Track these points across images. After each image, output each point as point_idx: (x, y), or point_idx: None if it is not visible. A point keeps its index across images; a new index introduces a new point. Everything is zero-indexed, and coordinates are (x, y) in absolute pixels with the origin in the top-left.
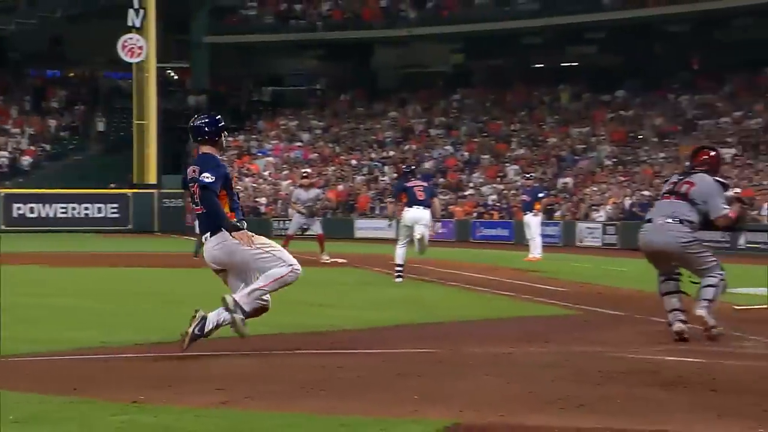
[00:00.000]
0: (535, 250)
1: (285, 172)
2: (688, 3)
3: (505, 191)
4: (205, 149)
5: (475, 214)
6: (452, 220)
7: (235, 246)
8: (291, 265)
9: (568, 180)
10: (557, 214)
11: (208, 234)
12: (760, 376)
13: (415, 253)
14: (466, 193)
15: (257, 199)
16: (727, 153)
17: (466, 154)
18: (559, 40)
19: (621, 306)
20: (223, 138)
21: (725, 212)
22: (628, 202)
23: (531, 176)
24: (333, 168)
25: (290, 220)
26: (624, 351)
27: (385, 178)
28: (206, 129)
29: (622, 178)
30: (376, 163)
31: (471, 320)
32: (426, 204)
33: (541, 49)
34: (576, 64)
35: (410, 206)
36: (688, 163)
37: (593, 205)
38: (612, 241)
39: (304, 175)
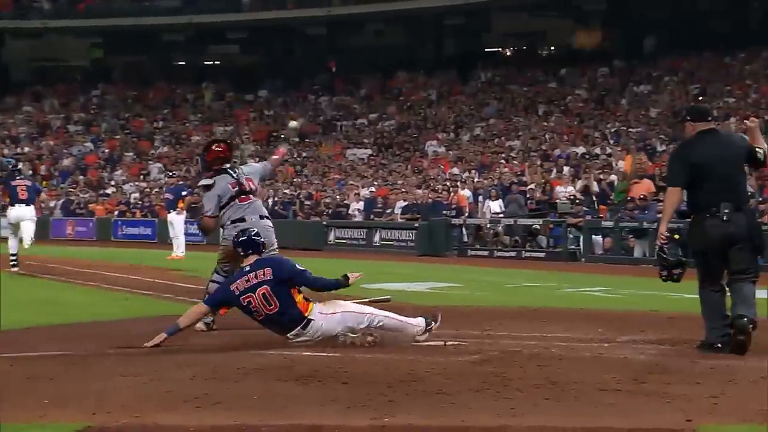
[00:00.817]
0: (179, 249)
1: None
2: (323, 7)
3: (147, 189)
4: None
5: (116, 213)
6: (93, 218)
7: None
8: None
9: None
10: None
11: None
12: (387, 367)
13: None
14: (108, 191)
15: None
16: (364, 153)
17: (107, 151)
18: (200, 39)
19: None
20: None
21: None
22: (271, 201)
23: (174, 174)
24: None
25: None
26: (262, 348)
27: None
28: None
29: None
30: (9, 160)
31: (108, 320)
32: (29, 202)
33: (183, 46)
34: (218, 63)
35: (13, 204)
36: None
37: None
38: None
39: None
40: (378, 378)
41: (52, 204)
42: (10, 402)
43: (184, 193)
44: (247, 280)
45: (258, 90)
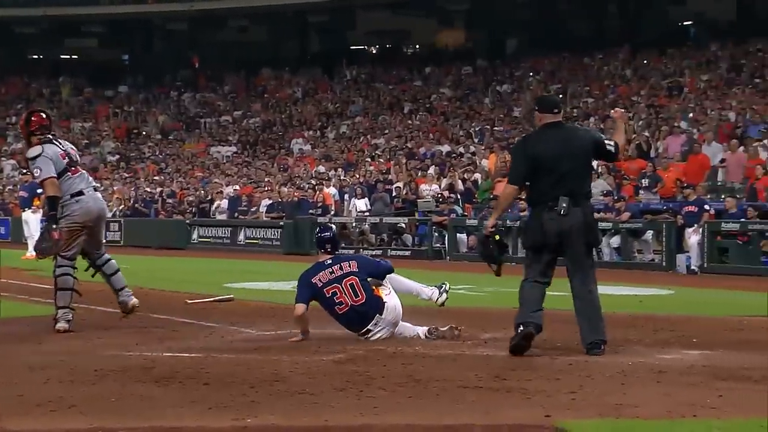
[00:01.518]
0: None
1: None
2: (185, 2)
3: (0, 187)
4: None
5: None
6: None
7: None
8: None
9: None
10: None
11: None
12: (250, 367)
13: None
14: None
15: None
16: (228, 151)
17: None
18: (56, 32)
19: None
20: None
21: None
22: (132, 199)
23: (27, 172)
24: None
25: None
26: (120, 349)
27: None
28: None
29: (126, 175)
30: None
31: None
32: None
33: (38, 40)
34: (76, 57)
35: None
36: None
37: None
38: (116, 237)
39: None
40: (240, 378)
41: None
42: None
43: (39, 190)
44: (332, 272)
45: (118, 86)
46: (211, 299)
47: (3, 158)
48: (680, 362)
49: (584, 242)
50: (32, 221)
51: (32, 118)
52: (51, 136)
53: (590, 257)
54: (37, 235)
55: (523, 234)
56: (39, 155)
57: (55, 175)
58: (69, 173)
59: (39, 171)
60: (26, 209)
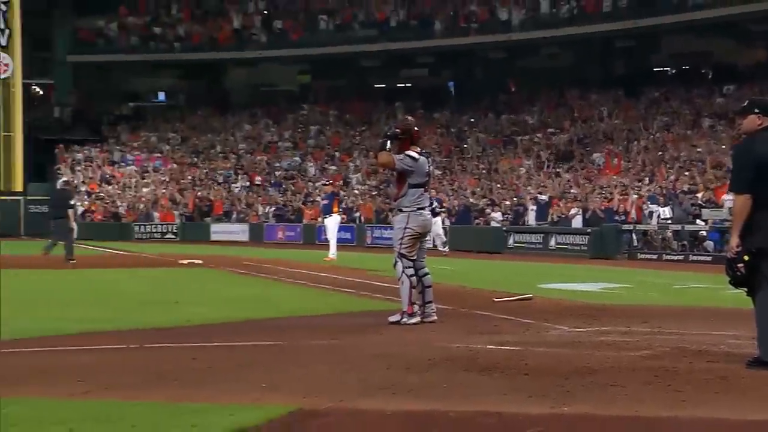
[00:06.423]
0: (330, 251)
1: (146, 180)
2: (504, 33)
3: (351, 197)
4: None
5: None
6: (300, 224)
7: None
8: None
9: None
10: None
11: None
12: (564, 361)
13: None
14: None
15: (118, 205)
16: (539, 164)
17: (312, 163)
18: (394, 64)
19: (447, 301)
20: None
21: None
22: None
23: (328, 183)
24: (190, 176)
25: (152, 224)
26: (448, 341)
27: (238, 185)
28: None
29: (450, 187)
30: (230, 172)
31: (314, 315)
32: None
33: (379, 70)
34: (409, 85)
35: None
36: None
37: None
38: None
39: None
40: (556, 370)
41: (265, 210)
42: (232, 385)
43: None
44: None
45: (444, 109)
46: (513, 298)
47: (351, 173)
48: None
49: None
50: (331, 226)
51: (415, 129)
52: (426, 153)
53: None
54: (334, 240)
55: (751, 236)
56: (415, 159)
57: (404, 169)
58: (423, 189)
59: (401, 163)
60: (327, 216)
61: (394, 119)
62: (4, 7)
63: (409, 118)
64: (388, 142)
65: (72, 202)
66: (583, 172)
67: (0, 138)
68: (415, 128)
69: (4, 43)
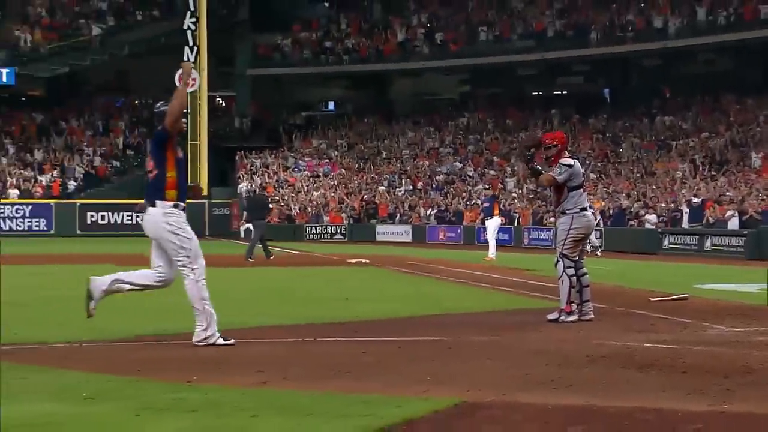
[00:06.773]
0: (490, 251)
1: (316, 184)
2: (659, 41)
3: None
4: None
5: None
6: (460, 225)
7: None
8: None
9: None
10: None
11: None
12: (723, 360)
13: None
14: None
15: (291, 207)
16: (695, 167)
17: (472, 168)
18: (550, 72)
19: (603, 300)
20: None
21: None
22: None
23: (489, 187)
24: (357, 180)
25: (322, 225)
26: (605, 338)
27: (402, 189)
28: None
29: (605, 189)
30: (394, 177)
31: (476, 312)
32: None
33: (536, 79)
34: (565, 92)
35: None
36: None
37: None
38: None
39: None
40: (714, 369)
41: (427, 213)
42: (399, 378)
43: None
44: None
45: (599, 115)
46: (669, 297)
47: (507, 176)
48: None
49: None
50: (491, 227)
51: (563, 137)
52: (576, 157)
53: None
54: (493, 240)
55: None
56: (570, 165)
57: (566, 180)
58: (581, 189)
59: (561, 176)
60: (488, 217)
61: (549, 125)
62: (192, 27)
63: (538, 131)
64: (535, 163)
65: (270, 206)
66: (739, 176)
67: (187, 146)
68: (564, 137)
69: (192, 59)
